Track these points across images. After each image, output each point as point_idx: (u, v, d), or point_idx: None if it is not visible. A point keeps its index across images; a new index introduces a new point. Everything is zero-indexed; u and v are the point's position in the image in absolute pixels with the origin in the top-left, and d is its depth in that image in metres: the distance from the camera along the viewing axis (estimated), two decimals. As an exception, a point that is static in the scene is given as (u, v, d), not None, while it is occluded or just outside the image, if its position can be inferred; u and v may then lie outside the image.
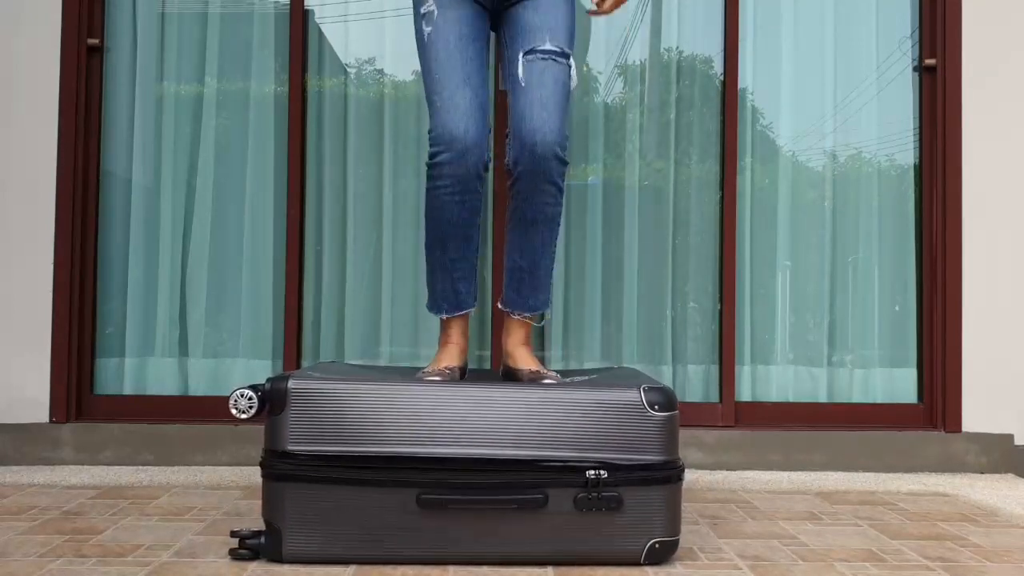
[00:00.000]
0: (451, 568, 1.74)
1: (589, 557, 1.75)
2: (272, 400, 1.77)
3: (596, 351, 2.96)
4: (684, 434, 2.80)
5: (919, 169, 3.01)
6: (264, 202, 2.95)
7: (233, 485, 2.49)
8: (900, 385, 2.99)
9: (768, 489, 2.54)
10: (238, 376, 2.91)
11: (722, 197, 2.97)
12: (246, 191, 2.95)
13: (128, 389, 2.90)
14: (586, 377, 2.09)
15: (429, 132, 1.97)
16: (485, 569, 1.74)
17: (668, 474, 1.76)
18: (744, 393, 2.96)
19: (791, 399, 2.98)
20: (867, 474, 2.79)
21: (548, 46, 1.98)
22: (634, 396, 1.77)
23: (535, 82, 1.95)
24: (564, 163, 1.97)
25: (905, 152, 3.03)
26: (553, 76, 1.96)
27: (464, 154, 1.92)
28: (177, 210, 2.94)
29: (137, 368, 2.91)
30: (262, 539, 1.76)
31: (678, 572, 1.73)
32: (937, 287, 2.92)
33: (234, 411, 1.77)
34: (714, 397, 2.95)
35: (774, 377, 2.98)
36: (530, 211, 1.99)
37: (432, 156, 1.96)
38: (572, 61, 2.00)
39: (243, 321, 2.93)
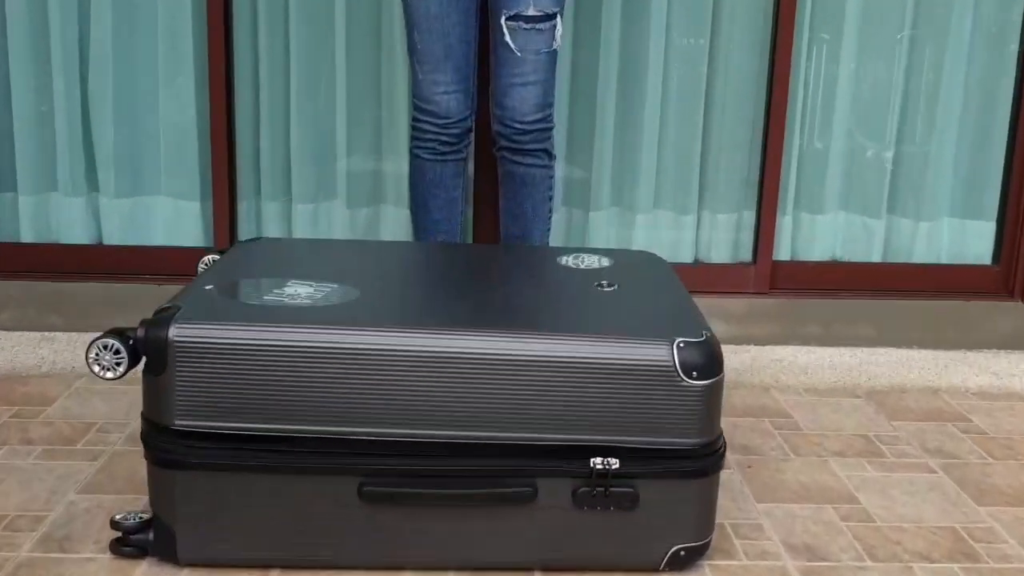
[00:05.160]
0: (407, 574, 1.31)
1: (590, 566, 1.31)
2: (149, 354, 1.26)
3: (605, 199, 2.38)
4: (706, 303, 2.28)
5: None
6: (179, -6, 2.25)
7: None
8: (972, 242, 2.46)
9: (808, 384, 2.09)
10: (160, 220, 2.35)
11: (775, -7, 2.28)
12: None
13: (26, 236, 2.36)
14: (596, 257, 1.63)
15: (412, 95, 1.97)
16: (451, 574, 1.31)
17: (704, 465, 1.28)
18: (783, 251, 2.43)
19: (839, 257, 2.45)
20: (924, 354, 2.32)
21: (532, 11, 1.87)
22: (663, 356, 1.25)
23: (516, 58, 1.90)
24: (549, 130, 1.96)
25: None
26: (535, 47, 1.90)
27: (446, 127, 1.95)
28: (69, 5, 2.25)
29: (37, 208, 2.35)
30: (150, 534, 1.31)
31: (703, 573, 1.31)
32: (1037, 121, 2.31)
33: (96, 368, 1.26)
34: (746, 255, 2.42)
35: (819, 229, 2.44)
36: (517, 175, 1.99)
37: (414, 119, 1.98)
38: (559, 19, 1.90)
39: (164, 150, 2.34)
